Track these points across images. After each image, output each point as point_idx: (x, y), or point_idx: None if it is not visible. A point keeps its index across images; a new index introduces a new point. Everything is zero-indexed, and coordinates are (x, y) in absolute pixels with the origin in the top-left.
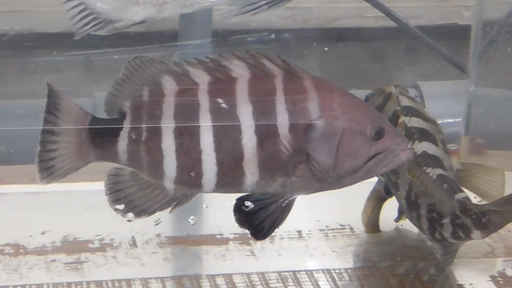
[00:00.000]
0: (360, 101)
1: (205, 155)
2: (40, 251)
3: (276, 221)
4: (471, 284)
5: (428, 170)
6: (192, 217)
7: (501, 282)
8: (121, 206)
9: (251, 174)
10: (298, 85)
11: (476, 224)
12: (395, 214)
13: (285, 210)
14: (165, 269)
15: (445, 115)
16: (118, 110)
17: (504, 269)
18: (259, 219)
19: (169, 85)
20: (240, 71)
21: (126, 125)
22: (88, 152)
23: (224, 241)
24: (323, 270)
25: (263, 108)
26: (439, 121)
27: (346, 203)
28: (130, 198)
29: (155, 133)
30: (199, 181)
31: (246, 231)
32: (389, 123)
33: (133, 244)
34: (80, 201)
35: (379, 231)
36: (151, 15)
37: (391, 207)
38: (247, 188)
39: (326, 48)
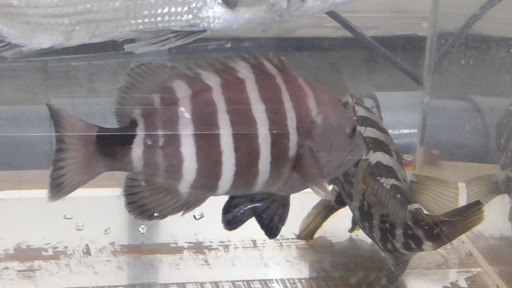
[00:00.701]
0: (336, 99)
1: (225, 156)
2: None
3: (282, 217)
4: None
5: (382, 180)
6: (142, 226)
7: None
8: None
9: (263, 173)
10: (296, 84)
11: (427, 235)
12: (349, 225)
13: (286, 206)
14: (118, 277)
15: (401, 125)
16: (128, 118)
17: (457, 280)
18: (268, 217)
19: (182, 89)
20: (244, 72)
21: (140, 132)
22: (97, 164)
23: (178, 250)
24: (277, 280)
25: (273, 107)
26: (395, 132)
27: (301, 213)
28: (143, 202)
29: (173, 138)
30: (216, 183)
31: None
32: None
33: (87, 252)
34: (34, 209)
35: (311, 239)
36: (59, 42)
37: (345, 217)
38: (257, 188)
39: (282, 58)
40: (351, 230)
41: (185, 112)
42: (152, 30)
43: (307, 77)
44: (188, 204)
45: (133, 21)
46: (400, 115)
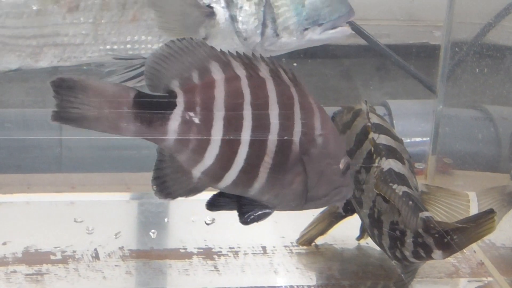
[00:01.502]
0: (337, 131)
1: (241, 149)
2: (1, 261)
3: (260, 217)
4: None
5: (394, 187)
6: (153, 230)
7: None
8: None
9: (261, 177)
10: (306, 99)
11: (438, 244)
12: (357, 232)
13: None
14: (127, 283)
15: (413, 134)
16: (164, 87)
17: None
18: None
19: (217, 72)
20: (265, 73)
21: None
22: (128, 127)
23: (187, 255)
24: (286, 287)
25: (286, 113)
26: (407, 140)
27: (312, 220)
28: (165, 179)
29: (208, 118)
30: (224, 174)
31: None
32: None
33: (96, 256)
34: (43, 212)
35: (310, 245)
36: (27, 64)
37: (355, 225)
38: (252, 191)
39: (295, 64)
40: (359, 238)
41: (219, 95)
42: (123, 57)
43: (315, 85)
44: (195, 190)
45: (101, 47)
46: (412, 123)
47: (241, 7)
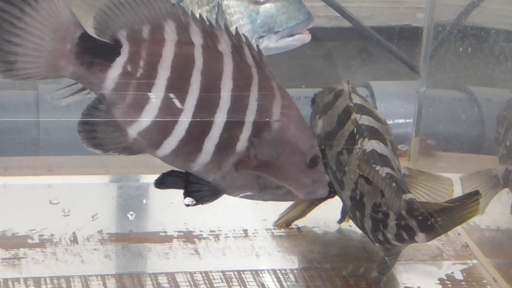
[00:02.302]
0: (305, 121)
1: (183, 116)
2: None
3: (205, 199)
4: (419, 287)
5: (377, 168)
6: (131, 212)
7: (449, 285)
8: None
9: (206, 153)
10: (268, 82)
11: (421, 226)
12: (339, 215)
13: (214, 196)
14: (106, 266)
15: (396, 115)
16: (111, 35)
17: (452, 272)
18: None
19: (171, 32)
20: (225, 46)
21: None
22: (67, 66)
23: (167, 238)
24: (268, 270)
25: (238, 91)
26: (390, 122)
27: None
28: (94, 128)
29: (150, 75)
30: (162, 141)
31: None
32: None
33: (74, 240)
34: (20, 195)
35: (287, 227)
36: None
37: (338, 207)
38: (194, 167)
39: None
40: (340, 221)
41: (168, 55)
42: None
43: (298, 67)
44: (129, 150)
45: None
46: (395, 104)
47: None
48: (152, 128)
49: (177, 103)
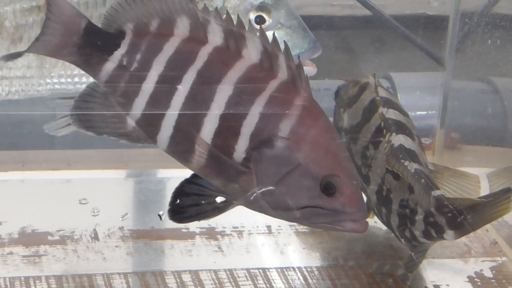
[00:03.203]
0: (333, 139)
1: (169, 114)
2: None
3: (202, 214)
4: (447, 285)
5: (406, 163)
6: (161, 212)
7: (478, 283)
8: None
9: (199, 155)
10: (286, 95)
11: (450, 224)
12: None
13: (217, 210)
14: (128, 264)
15: (418, 107)
16: (117, 27)
17: (481, 270)
18: (186, 202)
19: (182, 28)
20: (252, 52)
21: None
22: (69, 55)
23: (190, 235)
24: (294, 268)
25: (239, 98)
26: (412, 114)
27: None
28: (90, 109)
29: (145, 67)
30: (154, 135)
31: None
32: (354, 184)
33: (95, 237)
34: (38, 191)
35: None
36: None
37: None
38: (194, 168)
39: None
40: None
41: (168, 49)
42: (70, 91)
43: (321, 57)
44: (128, 137)
45: (48, 80)
46: (417, 97)
47: None
48: (143, 121)
49: (165, 98)
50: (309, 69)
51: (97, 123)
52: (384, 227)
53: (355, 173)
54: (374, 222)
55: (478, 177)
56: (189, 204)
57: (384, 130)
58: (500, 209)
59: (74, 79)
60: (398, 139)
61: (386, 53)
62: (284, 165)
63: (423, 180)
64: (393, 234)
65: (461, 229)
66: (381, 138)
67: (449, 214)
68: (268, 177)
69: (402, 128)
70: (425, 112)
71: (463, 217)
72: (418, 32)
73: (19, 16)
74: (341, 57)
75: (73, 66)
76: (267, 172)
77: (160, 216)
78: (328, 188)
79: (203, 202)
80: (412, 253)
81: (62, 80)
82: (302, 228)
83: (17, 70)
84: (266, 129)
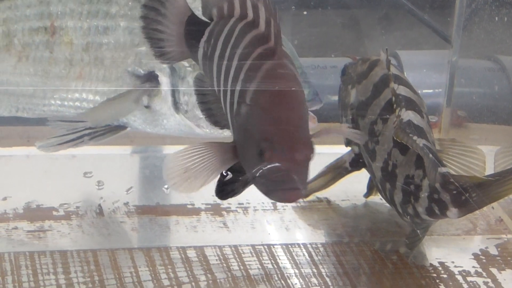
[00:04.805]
0: (281, 105)
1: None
2: (1, 218)
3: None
4: (453, 262)
5: (414, 138)
6: (166, 186)
7: (484, 260)
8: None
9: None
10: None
11: (454, 201)
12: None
13: (242, 187)
14: (133, 239)
15: (424, 85)
16: (208, 14)
17: (487, 247)
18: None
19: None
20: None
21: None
22: (181, 49)
23: (195, 211)
24: (299, 244)
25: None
26: (419, 92)
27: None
28: (210, 106)
29: (214, 51)
30: None
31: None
32: (285, 151)
33: (100, 212)
34: (43, 166)
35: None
36: None
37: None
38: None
39: (305, 12)
40: (367, 195)
41: (229, 32)
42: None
43: (328, 35)
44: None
45: (52, 101)
46: (424, 75)
47: (183, 78)
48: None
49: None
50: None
51: (218, 117)
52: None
53: (295, 140)
54: (379, 199)
55: (482, 151)
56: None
57: (394, 105)
58: (506, 188)
59: (75, 103)
60: (408, 115)
61: (393, 31)
62: (242, 130)
63: (430, 156)
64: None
65: (465, 207)
66: (390, 115)
67: (454, 192)
68: (238, 140)
69: (411, 104)
70: (432, 90)
71: (468, 195)
72: (425, 9)
73: (27, 35)
74: (348, 35)
75: (76, 89)
76: (237, 135)
77: (165, 189)
78: (261, 155)
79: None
80: (414, 229)
81: (65, 103)
82: (307, 204)
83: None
84: (241, 95)
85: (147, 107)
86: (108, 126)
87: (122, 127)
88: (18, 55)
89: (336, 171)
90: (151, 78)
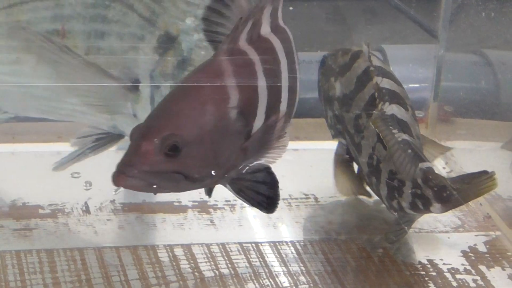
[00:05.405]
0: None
1: None
2: None
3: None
4: (441, 259)
5: (394, 131)
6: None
7: (472, 258)
8: None
9: None
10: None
11: (437, 197)
12: None
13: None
14: (119, 238)
15: (411, 80)
16: None
17: (475, 244)
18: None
19: None
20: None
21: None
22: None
23: (182, 209)
24: (287, 242)
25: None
26: (405, 87)
27: (310, 171)
28: None
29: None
30: None
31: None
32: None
33: (86, 210)
34: (29, 163)
35: (356, 194)
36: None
37: None
38: None
39: (291, 8)
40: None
41: None
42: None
43: (314, 29)
44: None
45: (65, 105)
46: (410, 69)
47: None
48: None
49: None
50: None
51: None
52: (377, 200)
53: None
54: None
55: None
56: None
57: (377, 100)
58: (484, 187)
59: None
60: (391, 109)
61: (378, 24)
62: None
63: (409, 151)
64: (383, 204)
65: (448, 202)
66: (373, 110)
67: (436, 188)
68: None
69: (395, 97)
70: (418, 85)
71: (449, 192)
72: (411, 4)
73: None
74: (333, 28)
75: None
76: None
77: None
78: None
79: None
80: (396, 224)
81: (76, 107)
82: (294, 201)
83: (43, 90)
84: None
85: (135, 115)
86: (107, 135)
87: (121, 136)
88: (36, 58)
89: (343, 165)
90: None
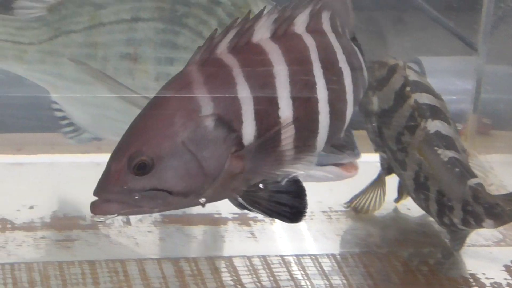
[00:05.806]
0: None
1: None
2: (28, 227)
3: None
4: (484, 273)
5: (440, 151)
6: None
7: None
8: None
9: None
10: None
11: (488, 213)
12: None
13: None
14: (161, 249)
15: (449, 92)
16: None
17: None
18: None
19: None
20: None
21: None
22: None
23: (222, 221)
24: (328, 255)
25: None
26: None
27: (350, 184)
28: None
29: None
30: None
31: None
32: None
33: (127, 222)
34: (68, 174)
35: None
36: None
37: (392, 188)
38: None
39: None
40: (397, 200)
41: None
42: None
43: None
44: None
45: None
46: (449, 81)
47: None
48: None
49: None
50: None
51: None
52: (417, 213)
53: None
54: (407, 209)
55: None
56: None
57: (418, 118)
58: None
59: None
60: (435, 125)
61: (414, 36)
62: None
63: (457, 169)
64: (429, 218)
65: (500, 218)
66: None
67: (486, 205)
68: None
69: (437, 112)
70: (456, 97)
71: (501, 208)
72: (450, 16)
73: (117, 61)
74: (368, 39)
75: None
76: None
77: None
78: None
79: None
80: (452, 239)
81: None
82: (334, 214)
83: (116, 112)
84: None
85: None
86: None
87: None
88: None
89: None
90: None
